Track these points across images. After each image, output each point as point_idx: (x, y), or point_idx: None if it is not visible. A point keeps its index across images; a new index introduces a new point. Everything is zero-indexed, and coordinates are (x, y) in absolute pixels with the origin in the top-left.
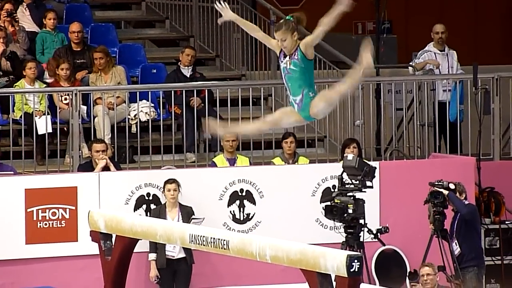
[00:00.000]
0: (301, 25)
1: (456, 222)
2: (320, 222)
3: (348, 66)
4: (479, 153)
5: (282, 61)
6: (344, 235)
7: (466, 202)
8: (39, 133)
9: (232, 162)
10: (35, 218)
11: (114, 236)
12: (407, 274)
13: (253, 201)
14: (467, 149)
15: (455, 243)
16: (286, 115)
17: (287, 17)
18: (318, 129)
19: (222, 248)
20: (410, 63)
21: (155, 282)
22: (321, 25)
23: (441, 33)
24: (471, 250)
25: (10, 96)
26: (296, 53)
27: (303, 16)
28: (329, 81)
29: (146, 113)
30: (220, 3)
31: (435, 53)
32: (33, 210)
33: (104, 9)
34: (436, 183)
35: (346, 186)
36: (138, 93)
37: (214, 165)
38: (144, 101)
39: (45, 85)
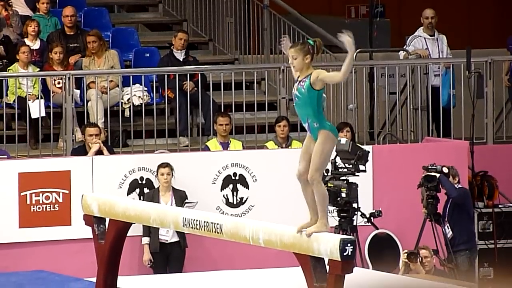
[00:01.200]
0: (317, 53)
1: (448, 205)
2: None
3: (341, 50)
4: (472, 137)
5: (294, 86)
6: (337, 219)
7: (459, 186)
8: (33, 117)
9: (225, 146)
10: (28, 202)
11: (107, 220)
12: (408, 254)
13: (246, 185)
14: (460, 133)
15: (447, 226)
16: (304, 154)
17: (308, 40)
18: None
19: (215, 232)
20: (402, 49)
21: (149, 266)
22: (340, 72)
23: (431, 18)
24: (463, 233)
25: (4, 80)
26: (304, 81)
27: (320, 45)
28: (322, 65)
29: (139, 97)
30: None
31: (425, 38)
32: (26, 194)
33: None
34: (430, 167)
35: (339, 170)
36: (131, 77)
37: (207, 149)
38: (137, 85)
39: (38, 69)
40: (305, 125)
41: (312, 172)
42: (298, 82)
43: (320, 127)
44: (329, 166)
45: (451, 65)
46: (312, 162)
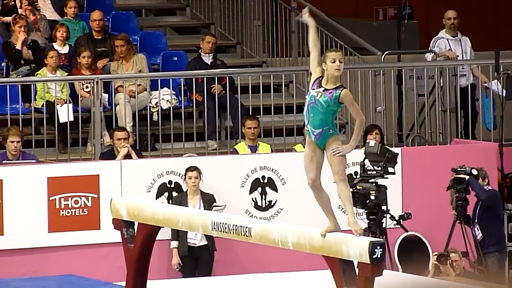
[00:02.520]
0: None
1: (478, 207)
2: (342, 208)
3: (369, 52)
4: (501, 138)
5: (313, 89)
6: (367, 221)
7: (488, 188)
8: (61, 121)
9: (253, 149)
10: (57, 206)
11: (136, 224)
12: (438, 256)
13: (275, 188)
14: (490, 134)
15: (477, 228)
16: (311, 162)
17: None
18: (340, 116)
19: (244, 235)
20: (429, 51)
21: (177, 269)
22: (357, 121)
23: (453, 19)
24: (492, 235)
25: (32, 85)
26: (334, 92)
27: None
28: (350, 68)
29: (167, 100)
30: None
31: (448, 39)
32: (55, 199)
33: None
34: (459, 169)
35: (368, 172)
36: (159, 80)
37: (235, 152)
38: (166, 88)
39: (66, 73)
40: (316, 131)
41: (340, 174)
42: (323, 89)
43: (334, 133)
44: (358, 169)
45: (491, 89)
46: (337, 165)
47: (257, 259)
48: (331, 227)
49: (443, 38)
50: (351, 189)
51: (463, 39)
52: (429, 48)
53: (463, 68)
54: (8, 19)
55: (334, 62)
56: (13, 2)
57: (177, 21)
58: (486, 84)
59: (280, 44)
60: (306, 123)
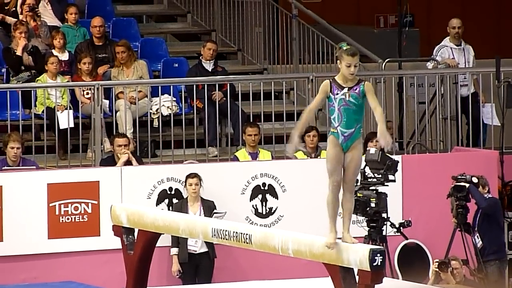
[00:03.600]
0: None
1: (478, 215)
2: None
3: (370, 60)
4: (502, 146)
5: (338, 93)
6: (367, 229)
7: (489, 196)
8: (61, 127)
9: (254, 156)
10: (57, 213)
11: (136, 230)
12: (439, 264)
13: (275, 195)
14: (490, 142)
15: (477, 236)
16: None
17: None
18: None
19: (244, 242)
20: (430, 59)
21: (177, 276)
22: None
23: (458, 27)
24: (493, 243)
25: (32, 91)
26: (358, 88)
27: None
28: None
29: (168, 107)
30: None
31: (451, 48)
32: (55, 205)
33: (126, 3)
34: (459, 177)
35: (369, 180)
36: (160, 87)
37: (236, 159)
38: (166, 95)
39: (67, 79)
40: (348, 132)
41: (352, 183)
42: (347, 88)
43: (359, 135)
44: (358, 176)
45: (491, 102)
46: (354, 171)
47: (258, 266)
48: (334, 237)
49: (447, 46)
50: None
51: (466, 47)
52: (432, 56)
53: (464, 78)
54: (11, 19)
55: (349, 66)
56: (14, 8)
57: (178, 27)
58: (482, 104)
59: (281, 51)
60: (336, 125)
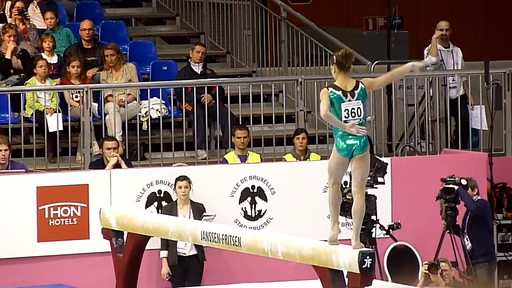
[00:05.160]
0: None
1: (467, 217)
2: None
3: (359, 62)
4: (491, 148)
5: (344, 102)
6: None
7: (478, 198)
8: (50, 130)
9: (243, 158)
10: (46, 216)
11: (125, 233)
12: (428, 266)
13: (264, 198)
14: (486, 144)
15: (466, 238)
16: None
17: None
18: (330, 125)
19: (233, 245)
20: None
21: (167, 279)
22: (388, 74)
23: (445, 30)
24: (482, 245)
25: (21, 94)
26: (359, 89)
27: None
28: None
29: (157, 110)
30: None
31: (440, 50)
32: (44, 208)
33: (115, 6)
34: (448, 178)
35: None
36: (149, 90)
37: (225, 162)
38: (155, 98)
39: (56, 82)
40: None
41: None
42: (350, 91)
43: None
44: (347, 178)
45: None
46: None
47: (247, 268)
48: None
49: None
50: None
51: (454, 49)
52: (424, 57)
53: (453, 80)
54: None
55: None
56: (2, 12)
57: (167, 30)
58: (471, 106)
59: (270, 54)
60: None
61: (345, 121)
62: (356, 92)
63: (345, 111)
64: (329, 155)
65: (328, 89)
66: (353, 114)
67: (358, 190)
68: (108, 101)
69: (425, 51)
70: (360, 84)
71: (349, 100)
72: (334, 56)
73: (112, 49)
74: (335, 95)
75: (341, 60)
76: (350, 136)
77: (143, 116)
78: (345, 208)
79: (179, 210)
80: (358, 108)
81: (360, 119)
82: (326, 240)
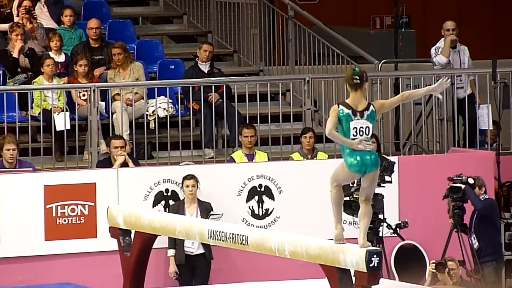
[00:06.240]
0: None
1: (474, 216)
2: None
3: (366, 61)
4: (498, 147)
5: (352, 120)
6: None
7: (485, 197)
8: (58, 129)
9: (250, 157)
10: (54, 215)
11: (133, 232)
12: (436, 265)
13: (272, 197)
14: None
15: (473, 237)
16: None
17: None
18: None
19: (241, 243)
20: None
21: (174, 278)
22: (399, 96)
23: (452, 30)
24: (489, 244)
25: (29, 93)
26: (369, 111)
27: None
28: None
29: (164, 109)
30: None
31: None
32: (52, 207)
33: (122, 5)
34: (455, 177)
35: None
36: (156, 89)
37: (232, 160)
38: (162, 97)
39: (63, 81)
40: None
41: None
42: (360, 112)
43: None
44: None
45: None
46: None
47: (254, 267)
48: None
49: (441, 48)
50: (347, 198)
51: (461, 48)
52: (432, 57)
53: (460, 81)
54: (5, 26)
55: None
56: (9, 10)
57: (174, 29)
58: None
59: (277, 53)
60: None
61: (353, 139)
62: (366, 113)
63: (353, 129)
64: (336, 154)
65: (338, 107)
66: (361, 133)
67: (366, 201)
68: (116, 100)
69: (432, 50)
70: (371, 107)
71: (358, 119)
72: (347, 76)
73: (120, 48)
74: (344, 113)
75: (352, 81)
76: (359, 152)
77: (150, 115)
78: (352, 207)
79: (187, 209)
80: (367, 127)
81: (368, 138)
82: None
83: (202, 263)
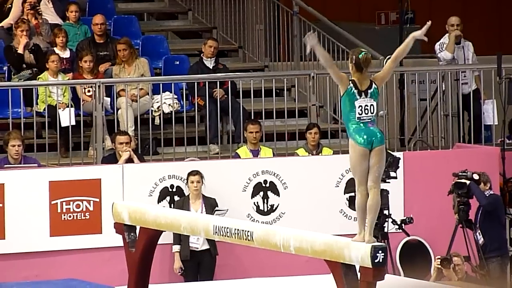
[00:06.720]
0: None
1: (479, 212)
2: (344, 213)
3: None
4: (503, 143)
5: (358, 99)
6: None
7: (490, 193)
8: (63, 125)
9: (255, 153)
10: (59, 211)
11: (138, 228)
12: (441, 260)
13: (277, 192)
14: (491, 138)
15: (478, 233)
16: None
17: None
18: (342, 120)
19: (246, 239)
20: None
21: (179, 273)
22: (393, 56)
23: (456, 25)
24: (494, 240)
25: (34, 89)
26: (373, 89)
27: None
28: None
29: (169, 104)
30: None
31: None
32: (57, 203)
33: (127, 1)
34: (460, 173)
35: None
36: (161, 85)
37: (237, 156)
38: (167, 92)
39: (68, 77)
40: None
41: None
42: (365, 91)
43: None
44: None
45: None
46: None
47: (259, 263)
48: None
49: (446, 43)
50: (353, 194)
51: (466, 44)
52: (437, 53)
53: (465, 76)
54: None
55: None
56: (10, 5)
57: (179, 25)
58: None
59: (282, 48)
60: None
61: (359, 118)
62: (370, 91)
63: (359, 107)
64: (341, 150)
65: (350, 82)
66: (366, 111)
67: (375, 185)
68: (121, 96)
69: (437, 46)
70: (374, 84)
71: (363, 98)
72: (354, 57)
73: (125, 44)
74: (352, 91)
75: (361, 64)
76: (364, 127)
77: (155, 111)
78: (353, 202)
79: (192, 204)
80: (371, 105)
81: (373, 116)
82: (339, 235)
83: (207, 259)
